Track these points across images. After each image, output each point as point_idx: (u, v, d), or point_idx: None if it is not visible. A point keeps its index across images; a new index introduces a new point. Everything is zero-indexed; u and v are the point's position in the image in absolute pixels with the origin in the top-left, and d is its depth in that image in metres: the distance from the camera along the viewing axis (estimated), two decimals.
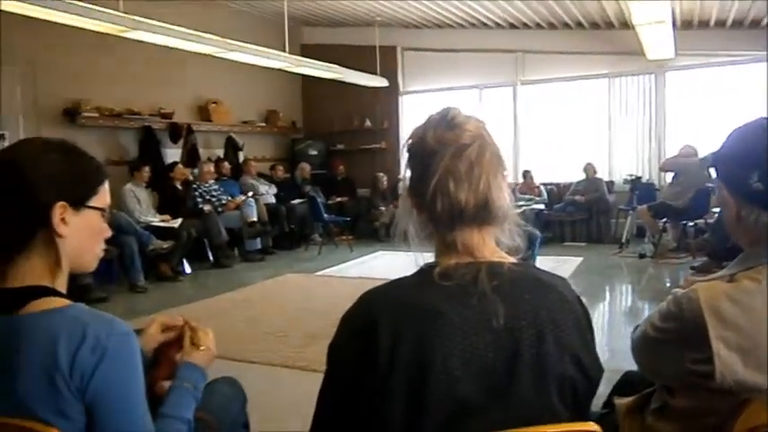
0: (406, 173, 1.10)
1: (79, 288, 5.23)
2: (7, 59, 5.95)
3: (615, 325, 4.70)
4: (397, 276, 1.06)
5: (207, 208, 7.26)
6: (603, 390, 1.55)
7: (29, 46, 6.12)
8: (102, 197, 1.18)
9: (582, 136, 8.94)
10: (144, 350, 1.35)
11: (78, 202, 1.13)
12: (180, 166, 7.35)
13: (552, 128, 9.14)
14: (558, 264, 6.63)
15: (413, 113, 9.82)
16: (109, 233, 1.21)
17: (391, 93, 9.63)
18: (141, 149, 7.41)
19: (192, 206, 7.17)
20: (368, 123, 10.02)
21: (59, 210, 1.10)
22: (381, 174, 9.34)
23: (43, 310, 1.05)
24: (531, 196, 8.39)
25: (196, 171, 7.76)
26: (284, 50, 7.14)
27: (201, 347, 1.35)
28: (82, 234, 1.14)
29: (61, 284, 1.13)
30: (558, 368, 1.00)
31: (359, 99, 9.62)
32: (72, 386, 1.00)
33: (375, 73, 8.76)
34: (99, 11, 4.93)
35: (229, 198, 7.75)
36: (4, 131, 6.01)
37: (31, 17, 4.81)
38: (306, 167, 9.45)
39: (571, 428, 1.01)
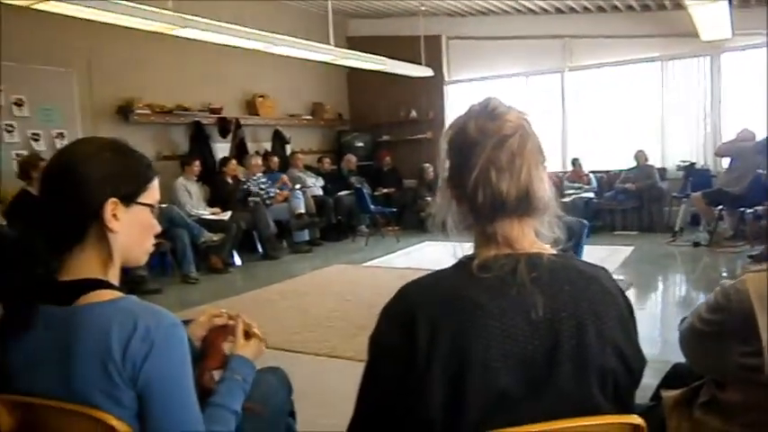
0: (445, 164, 1.10)
1: (134, 280, 5.42)
2: (65, 62, 6.19)
3: (668, 316, 4.58)
4: (443, 267, 1.07)
5: (255, 201, 7.40)
6: (652, 382, 1.53)
7: (84, 48, 6.34)
8: (152, 194, 1.23)
9: (633, 122, 8.69)
10: (192, 339, 1.41)
11: (129, 198, 1.18)
12: (233, 161, 7.50)
13: (602, 114, 8.92)
14: (609, 253, 6.50)
15: (458, 103, 9.74)
16: (158, 229, 1.26)
17: (436, 82, 9.58)
18: (192, 144, 7.60)
19: (241, 199, 7.32)
20: (413, 114, 10.00)
21: (111, 206, 1.15)
22: (427, 164, 9.32)
23: (97, 302, 1.10)
24: (581, 184, 8.23)
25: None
26: (329, 43, 7.19)
27: (253, 341, 1.40)
28: (132, 229, 1.19)
29: (114, 277, 1.18)
30: (599, 360, 0.99)
31: (404, 90, 9.60)
32: (124, 375, 1.04)
33: (420, 63, 8.72)
34: (149, 10, 5.06)
35: (277, 191, 7.87)
36: (63, 130, 6.25)
37: (86, 20, 4.98)
38: (352, 159, 9.51)
39: (613, 421, 1.00)
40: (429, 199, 9.15)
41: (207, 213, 6.91)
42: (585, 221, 3.34)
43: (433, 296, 1.01)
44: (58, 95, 6.20)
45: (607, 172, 8.74)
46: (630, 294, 4.61)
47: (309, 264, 6.96)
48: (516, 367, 0.96)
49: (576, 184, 8.11)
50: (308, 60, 7.46)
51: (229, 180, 7.38)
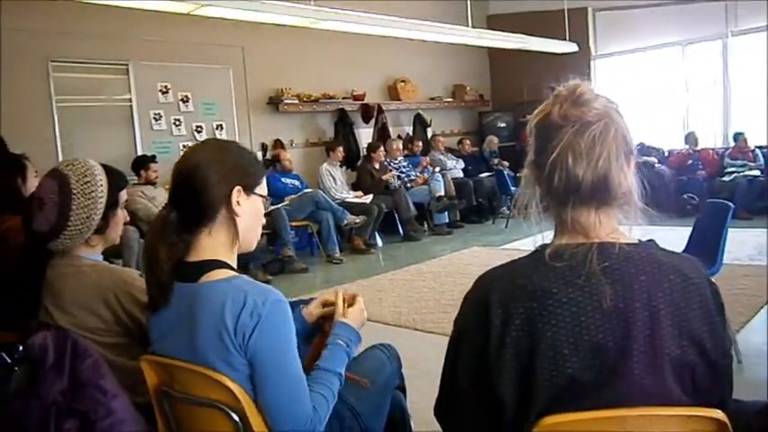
0: (530, 147, 1.12)
1: (283, 260, 5.84)
2: (222, 60, 6.79)
3: None
4: None
5: (396, 183, 7.62)
6: None
7: (238, 46, 6.89)
8: (264, 187, 1.42)
9: None
10: (307, 319, 1.57)
11: (250, 187, 1.37)
12: (381, 148, 7.74)
13: None
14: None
15: (607, 78, 9.27)
16: (264, 221, 1.44)
17: (582, 58, 9.14)
18: (336, 131, 7.99)
19: (383, 183, 7.57)
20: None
21: (236, 193, 1.34)
22: None
23: (215, 280, 1.28)
24: (744, 161, 7.50)
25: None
26: (467, 24, 7.17)
27: (353, 308, 1.52)
28: (250, 216, 1.38)
29: (232, 259, 1.37)
30: (675, 351, 0.98)
31: (548, 67, 9.21)
32: (236, 343, 1.21)
33: (564, 38, 8.40)
34: (294, 7, 5.40)
35: (418, 174, 8.04)
36: (222, 122, 6.87)
37: (239, 21, 5.44)
38: (494, 140, 9.42)
39: (690, 413, 0.99)
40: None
41: (350, 196, 7.24)
42: (729, 203, 3.10)
43: (506, 283, 1.05)
44: (217, 91, 6.83)
45: None
46: None
47: (449, 246, 7.05)
48: (586, 354, 0.98)
49: (739, 161, 7.41)
50: (448, 43, 7.49)
51: (376, 166, 7.65)
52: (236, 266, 1.36)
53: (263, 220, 1.44)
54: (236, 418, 1.21)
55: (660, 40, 8.72)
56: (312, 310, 1.63)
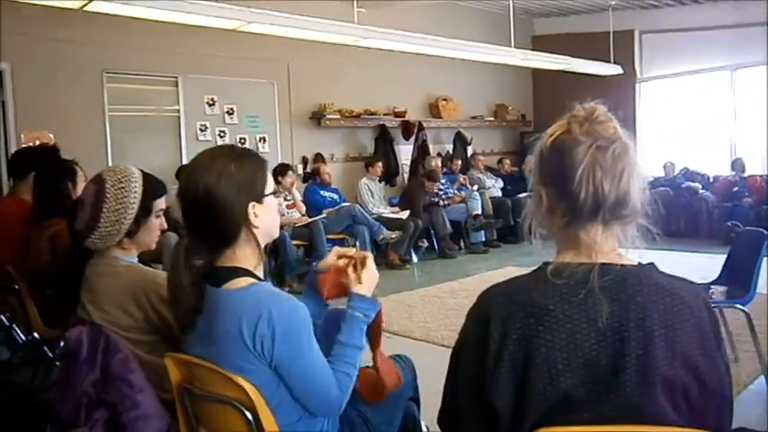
0: (539, 167, 1.16)
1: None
2: (267, 75, 6.99)
3: None
4: None
5: (433, 200, 7.67)
6: None
7: (283, 62, 7.08)
8: (270, 182, 1.47)
9: None
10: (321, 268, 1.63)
11: (260, 196, 1.44)
12: (435, 172, 7.76)
13: None
14: None
15: (652, 101, 9.15)
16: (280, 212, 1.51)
17: (627, 80, 9.05)
18: (376, 146, 8.10)
19: (425, 201, 7.61)
20: None
21: (251, 209, 1.41)
22: None
23: (234, 289, 1.36)
24: None
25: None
26: (510, 45, 7.20)
27: (364, 275, 1.52)
28: (268, 217, 1.45)
29: (260, 270, 1.44)
30: (667, 372, 1.00)
31: (592, 88, 8.88)
32: (255, 353, 1.29)
33: (609, 60, 8.35)
34: (338, 25, 5.54)
35: (455, 192, 8.07)
36: (265, 134, 7.06)
37: (284, 37, 5.61)
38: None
39: None
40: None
41: (387, 212, 7.32)
42: (765, 231, 3.05)
43: (506, 299, 1.10)
44: (261, 104, 7.02)
45: None
46: None
47: (484, 264, 7.04)
48: (579, 371, 1.01)
49: None
50: (491, 62, 7.54)
51: (426, 191, 7.63)
52: (260, 273, 1.44)
53: (280, 212, 1.51)
54: (249, 416, 1.28)
55: (708, 64, 8.58)
56: (328, 262, 1.62)
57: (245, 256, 1.42)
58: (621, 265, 1.07)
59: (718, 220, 7.59)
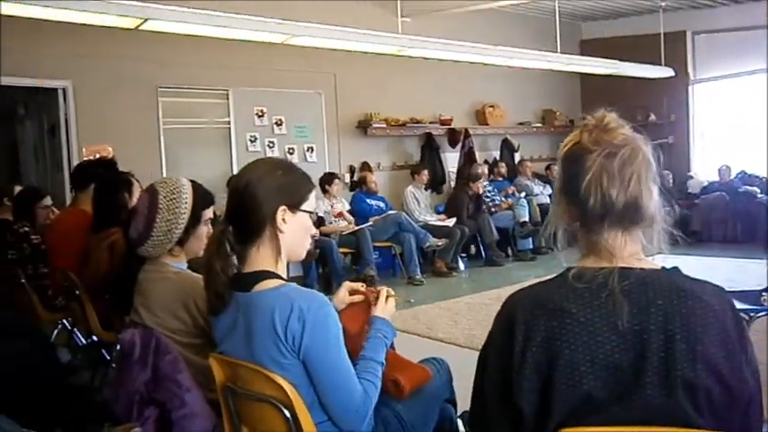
0: (558, 174, 1.21)
1: (364, 279, 6.00)
2: (314, 85, 7.15)
3: None
4: None
5: (481, 206, 7.66)
6: None
7: (330, 72, 7.21)
8: (311, 203, 1.55)
9: None
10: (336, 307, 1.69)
11: (295, 205, 1.51)
12: (482, 179, 7.77)
13: None
14: None
15: (706, 103, 8.90)
16: (314, 231, 1.58)
17: (679, 82, 8.84)
18: (422, 154, 8.13)
19: (472, 209, 7.61)
20: (652, 117, 9.34)
21: (281, 212, 1.48)
22: (666, 171, 8.66)
23: (265, 290, 1.44)
24: None
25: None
26: (556, 50, 7.15)
27: (388, 303, 1.68)
28: (297, 232, 1.52)
29: (281, 269, 1.52)
30: (688, 375, 1.01)
31: (643, 92, 9.02)
32: (287, 346, 1.36)
33: (659, 63, 8.17)
34: (384, 36, 5.64)
35: (503, 199, 8.03)
36: (313, 144, 7.20)
37: (331, 49, 5.74)
38: None
39: None
40: (667, 208, 8.51)
41: (433, 219, 7.35)
42: None
43: (530, 302, 1.13)
44: (308, 115, 7.17)
45: None
46: None
47: (532, 272, 6.96)
48: (602, 372, 1.04)
49: None
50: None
51: (470, 194, 7.64)
52: (285, 275, 1.51)
53: (313, 231, 1.57)
54: (288, 414, 1.35)
55: (765, 64, 8.28)
56: (343, 298, 1.76)
57: (266, 257, 1.49)
58: (641, 268, 1.09)
59: None
